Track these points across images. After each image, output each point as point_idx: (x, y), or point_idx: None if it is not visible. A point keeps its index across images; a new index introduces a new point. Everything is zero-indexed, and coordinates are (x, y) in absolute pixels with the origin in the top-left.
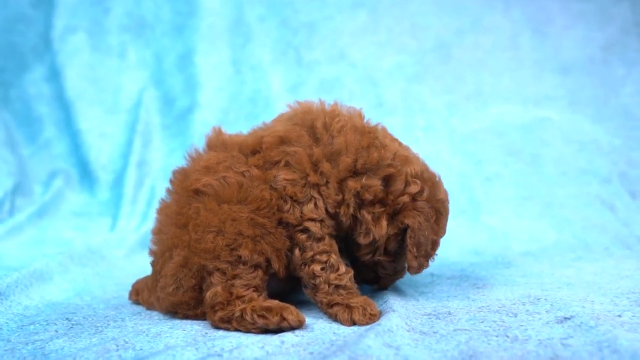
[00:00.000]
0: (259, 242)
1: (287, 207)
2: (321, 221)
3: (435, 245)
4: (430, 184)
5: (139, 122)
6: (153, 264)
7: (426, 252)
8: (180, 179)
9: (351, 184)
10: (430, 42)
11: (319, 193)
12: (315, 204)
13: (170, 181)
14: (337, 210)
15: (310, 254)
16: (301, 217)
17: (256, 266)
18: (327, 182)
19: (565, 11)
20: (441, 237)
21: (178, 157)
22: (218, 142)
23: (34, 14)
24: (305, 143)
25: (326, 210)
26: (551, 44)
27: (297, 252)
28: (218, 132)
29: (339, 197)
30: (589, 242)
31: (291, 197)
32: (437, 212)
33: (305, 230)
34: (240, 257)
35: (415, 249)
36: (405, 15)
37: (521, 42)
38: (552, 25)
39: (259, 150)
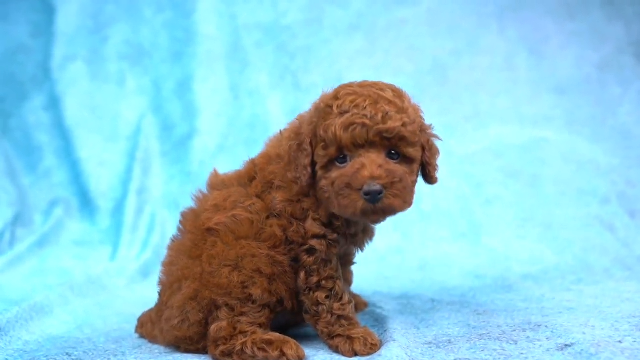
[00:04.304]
0: (274, 282)
1: (293, 227)
2: (324, 237)
3: None
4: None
5: (139, 149)
6: (161, 293)
7: None
8: (192, 219)
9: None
10: (427, 64)
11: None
12: (313, 218)
13: (181, 222)
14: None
15: (316, 279)
16: (305, 234)
17: (265, 305)
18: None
19: (560, 31)
20: None
21: (178, 184)
22: (218, 182)
23: (33, 44)
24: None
25: (322, 223)
26: (547, 63)
27: (302, 275)
28: (215, 173)
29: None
30: (589, 264)
31: (292, 216)
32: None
33: (311, 250)
34: (251, 295)
35: None
36: (401, 37)
37: (517, 63)
38: (547, 45)
39: (255, 176)
